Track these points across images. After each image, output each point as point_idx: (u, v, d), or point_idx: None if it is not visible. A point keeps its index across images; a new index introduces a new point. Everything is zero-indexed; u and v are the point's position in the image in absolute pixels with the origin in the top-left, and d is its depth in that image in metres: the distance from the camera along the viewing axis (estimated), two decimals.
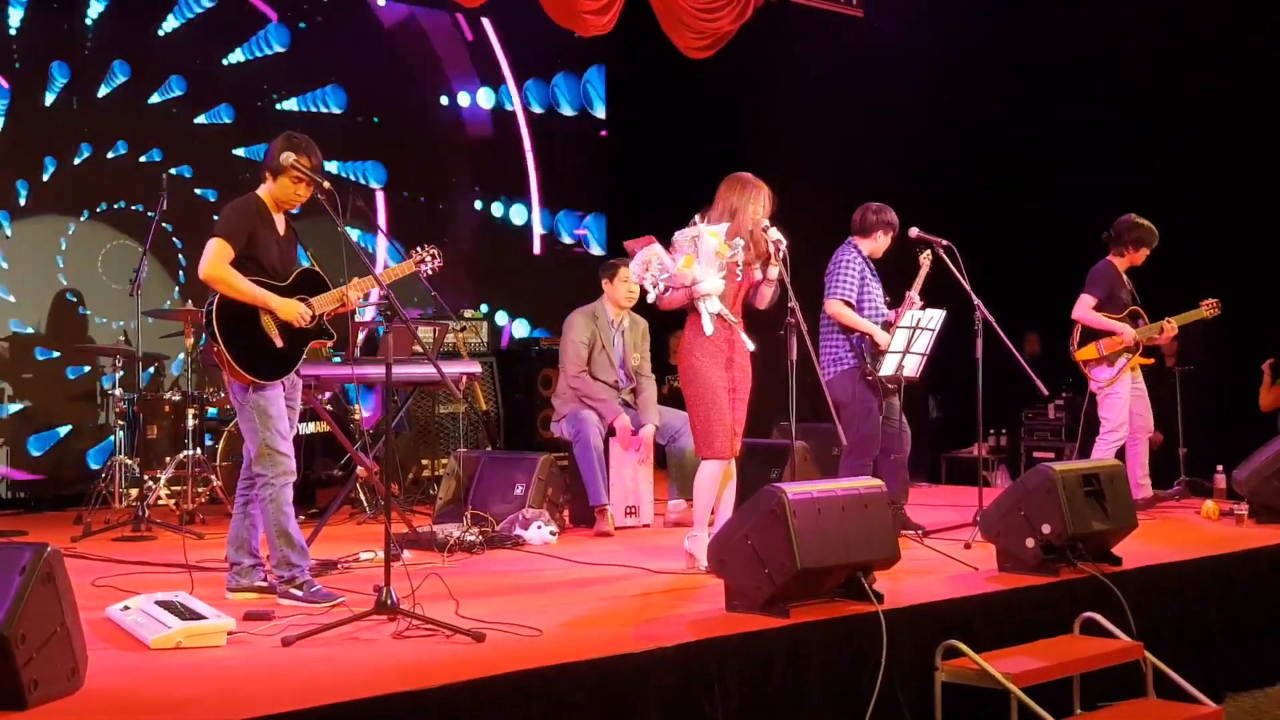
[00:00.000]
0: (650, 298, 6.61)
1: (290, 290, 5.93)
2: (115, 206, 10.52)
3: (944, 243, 7.78)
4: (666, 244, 6.55)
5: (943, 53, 12.14)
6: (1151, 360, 9.06)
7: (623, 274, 8.50)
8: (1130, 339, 8.75)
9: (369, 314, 8.72)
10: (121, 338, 9.90)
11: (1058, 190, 11.78)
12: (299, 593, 5.75)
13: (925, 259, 7.89)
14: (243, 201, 5.95)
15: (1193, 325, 9.08)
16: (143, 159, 10.64)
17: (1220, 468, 9.10)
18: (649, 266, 6.49)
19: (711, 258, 6.41)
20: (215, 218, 6.01)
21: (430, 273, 6.69)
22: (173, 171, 8.51)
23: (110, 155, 10.59)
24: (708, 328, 6.49)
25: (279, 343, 5.87)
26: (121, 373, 8.94)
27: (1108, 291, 8.84)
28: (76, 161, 10.44)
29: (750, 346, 6.62)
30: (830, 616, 5.37)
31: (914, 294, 7.85)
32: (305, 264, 6.11)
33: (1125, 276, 8.96)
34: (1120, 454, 8.64)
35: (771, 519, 5.36)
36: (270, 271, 5.91)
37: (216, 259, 5.75)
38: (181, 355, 9.54)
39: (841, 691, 5.20)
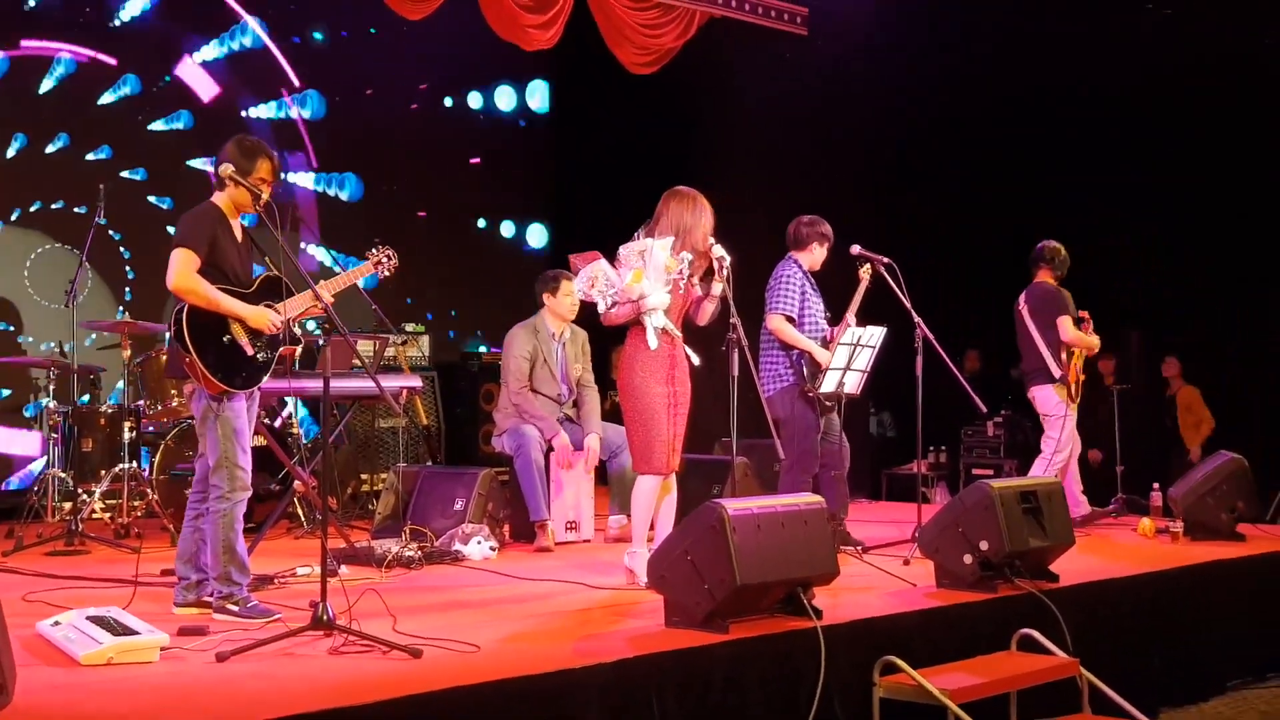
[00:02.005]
0: (601, 308, 6.58)
1: (255, 297, 5.86)
2: (52, 207, 10.47)
3: (885, 260, 7.82)
4: (611, 260, 6.54)
5: (885, 70, 12.22)
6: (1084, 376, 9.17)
7: (565, 287, 8.47)
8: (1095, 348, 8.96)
9: (308, 326, 8.65)
10: (55, 347, 9.77)
11: (1000, 207, 11.91)
12: (235, 608, 5.69)
13: (865, 273, 7.92)
14: (201, 210, 5.85)
15: (1128, 343, 9.22)
16: (90, 156, 10.62)
17: (1157, 485, 9.19)
18: (595, 283, 6.47)
19: (660, 272, 6.41)
20: (170, 229, 5.93)
21: (387, 273, 6.62)
22: (125, 175, 8.43)
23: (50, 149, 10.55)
24: (652, 342, 6.48)
25: (249, 350, 5.80)
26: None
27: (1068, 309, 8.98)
28: (10, 154, 10.39)
29: (696, 361, 6.62)
30: (769, 632, 5.37)
31: (850, 315, 7.87)
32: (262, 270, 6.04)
33: None
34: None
35: (711, 535, 5.35)
36: (234, 278, 5.82)
37: (185, 269, 5.66)
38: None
39: (780, 707, 5.20)
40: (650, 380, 6.51)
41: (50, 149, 10.59)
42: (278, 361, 5.95)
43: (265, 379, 5.92)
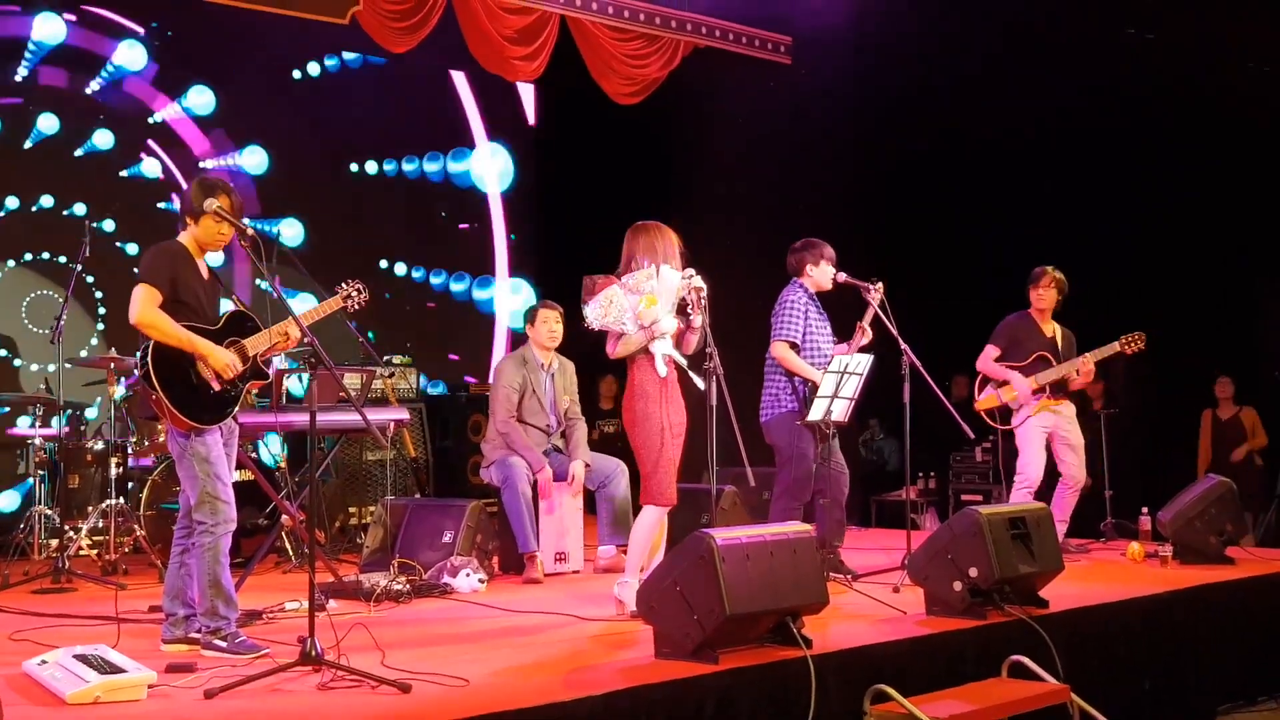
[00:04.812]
0: (610, 343, 6.53)
1: (221, 333, 5.86)
2: (40, 257, 10.48)
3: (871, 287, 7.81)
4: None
5: (869, 98, 12.27)
6: (1063, 400, 8.94)
7: (542, 315, 8.51)
8: (1023, 387, 8.73)
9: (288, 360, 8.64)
10: (42, 385, 9.74)
11: (987, 233, 11.92)
12: (223, 644, 5.67)
13: (875, 291, 7.79)
14: (163, 246, 5.88)
15: (1115, 366, 9.12)
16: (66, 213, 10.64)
17: (1145, 510, 9.17)
18: (609, 311, 6.41)
19: (672, 294, 6.39)
20: (135, 271, 5.94)
21: (356, 308, 6.61)
22: (94, 225, 8.47)
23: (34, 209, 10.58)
24: (661, 369, 6.45)
25: (215, 386, 5.79)
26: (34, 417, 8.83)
27: (1009, 340, 8.90)
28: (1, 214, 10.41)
29: (702, 385, 6.53)
30: (759, 662, 5.36)
31: (865, 324, 7.80)
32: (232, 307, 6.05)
33: (1041, 324, 8.96)
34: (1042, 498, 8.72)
35: (700, 565, 5.33)
36: (199, 315, 5.83)
37: (147, 304, 5.68)
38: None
39: None
40: (657, 409, 6.48)
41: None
42: (261, 395, 5.96)
43: (234, 411, 5.91)
